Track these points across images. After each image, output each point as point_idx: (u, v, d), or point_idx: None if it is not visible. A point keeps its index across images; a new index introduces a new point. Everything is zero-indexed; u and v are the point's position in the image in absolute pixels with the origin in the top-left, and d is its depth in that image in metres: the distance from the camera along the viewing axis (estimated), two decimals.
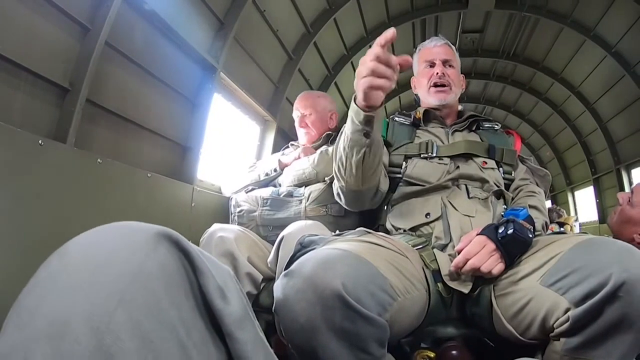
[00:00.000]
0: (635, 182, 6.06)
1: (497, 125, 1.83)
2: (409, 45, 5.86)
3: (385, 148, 1.67)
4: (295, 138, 2.70)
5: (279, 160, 2.37)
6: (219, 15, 2.77)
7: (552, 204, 8.86)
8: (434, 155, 1.63)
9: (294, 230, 1.75)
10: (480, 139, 1.73)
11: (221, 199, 2.63)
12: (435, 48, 1.85)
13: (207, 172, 2.86)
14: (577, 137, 7.06)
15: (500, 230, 1.17)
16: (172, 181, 2.33)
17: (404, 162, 1.64)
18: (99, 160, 1.75)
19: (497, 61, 6.53)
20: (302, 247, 1.22)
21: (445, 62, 1.82)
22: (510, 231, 1.14)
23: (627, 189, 6.08)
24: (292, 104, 3.66)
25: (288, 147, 2.67)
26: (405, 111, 1.87)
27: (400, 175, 1.63)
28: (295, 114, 2.57)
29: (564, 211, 5.29)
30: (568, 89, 6.31)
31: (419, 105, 1.91)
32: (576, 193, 8.14)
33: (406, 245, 1.28)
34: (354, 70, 5.35)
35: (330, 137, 2.49)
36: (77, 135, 1.72)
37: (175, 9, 2.31)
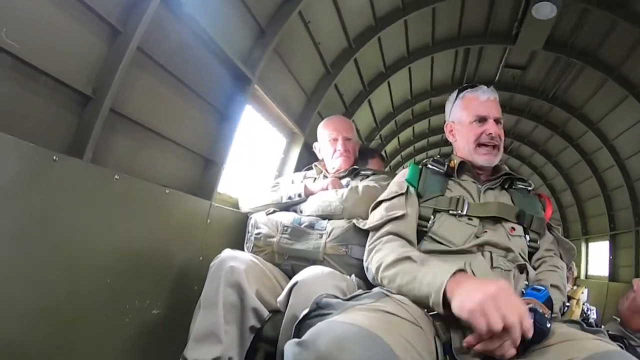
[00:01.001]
0: None
1: (530, 186, 1.77)
2: (448, 70, 5.86)
3: (415, 197, 1.65)
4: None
5: (305, 186, 2.29)
6: (262, 23, 2.68)
7: None
8: (464, 214, 1.58)
9: (308, 278, 1.70)
10: (512, 199, 1.68)
11: (238, 215, 2.53)
12: (488, 102, 1.72)
13: (226, 184, 2.79)
14: (601, 189, 6.91)
15: None
16: (190, 197, 2.24)
17: (432, 216, 1.59)
18: (116, 176, 1.66)
19: (534, 100, 6.41)
20: (318, 308, 1.20)
21: (497, 121, 1.72)
22: (530, 320, 1.09)
23: None
24: (322, 118, 3.53)
25: (312, 168, 2.60)
26: (440, 157, 1.82)
27: (426, 229, 1.58)
28: (332, 136, 2.46)
29: (574, 265, 5.16)
30: (601, 140, 6.18)
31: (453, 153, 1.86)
32: (590, 244, 7.96)
33: (421, 314, 1.24)
34: (390, 89, 5.47)
35: (354, 172, 2.44)
36: (96, 147, 1.62)
37: (215, 13, 2.20)
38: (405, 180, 1.69)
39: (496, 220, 1.58)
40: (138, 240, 1.84)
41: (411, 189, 1.66)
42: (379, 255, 1.47)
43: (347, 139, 2.46)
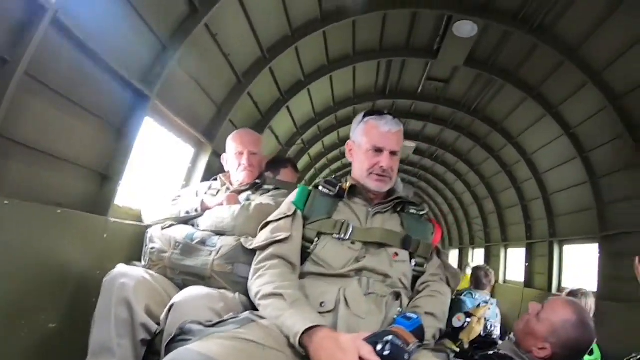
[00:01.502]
0: (565, 258, 6.11)
1: (423, 211, 1.82)
2: (370, 80, 5.81)
3: (301, 220, 1.69)
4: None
5: (202, 202, 2.31)
6: (163, 38, 2.61)
7: (485, 258, 8.91)
8: (346, 238, 1.62)
9: (184, 299, 1.72)
10: (402, 223, 1.74)
11: (138, 229, 2.48)
12: (388, 134, 1.71)
13: (127, 196, 2.73)
14: (520, 199, 7.08)
15: (378, 348, 1.17)
16: (84, 214, 2.22)
17: (316, 239, 1.64)
18: (5, 202, 1.66)
19: (457, 112, 6.44)
20: (182, 333, 1.26)
21: (393, 153, 1.73)
22: (386, 353, 1.16)
23: (555, 262, 6.13)
24: (235, 126, 3.69)
25: (216, 179, 2.60)
26: (335, 178, 1.86)
27: (309, 251, 1.63)
28: (237, 149, 2.49)
29: (493, 272, 5.21)
30: (520, 153, 6.31)
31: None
32: (509, 250, 8.19)
33: (286, 342, 1.27)
34: (310, 96, 5.24)
35: (255, 186, 2.48)
36: None
37: (110, 32, 2.17)
38: (292, 203, 1.73)
39: (380, 245, 1.64)
40: (34, 259, 1.89)
41: (298, 211, 1.70)
42: (260, 282, 1.50)
43: (253, 153, 2.49)
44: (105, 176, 2.46)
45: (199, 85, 3.27)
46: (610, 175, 4.76)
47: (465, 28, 4.13)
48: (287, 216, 1.68)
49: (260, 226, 1.75)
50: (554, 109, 5.04)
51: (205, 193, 2.47)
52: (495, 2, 3.98)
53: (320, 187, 1.79)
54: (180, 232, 2.16)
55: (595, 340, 3.02)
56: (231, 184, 2.52)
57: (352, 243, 1.61)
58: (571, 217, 5.78)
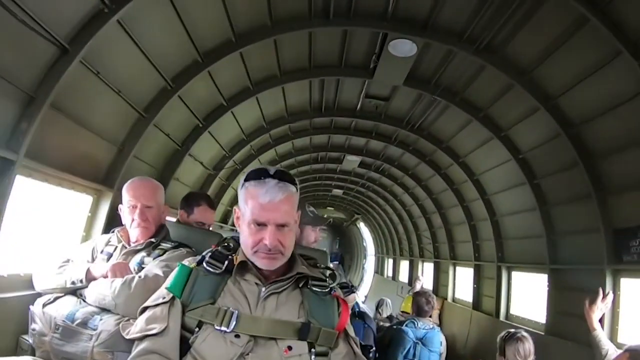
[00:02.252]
0: (515, 284, 5.79)
1: (327, 288, 1.58)
2: (304, 98, 5.41)
3: (179, 306, 1.47)
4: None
5: (88, 271, 2.10)
6: (29, 90, 2.32)
7: (434, 272, 8.63)
8: (229, 330, 1.41)
9: None
10: (303, 302, 1.53)
11: (26, 298, 2.23)
12: (270, 206, 1.44)
13: (15, 262, 2.57)
14: (467, 218, 6.77)
15: None
16: None
17: (197, 328, 1.43)
18: None
19: (400, 130, 6.05)
20: None
21: (280, 226, 1.47)
22: None
23: (504, 287, 5.82)
24: (145, 163, 3.71)
25: (114, 232, 2.38)
26: (228, 246, 1.60)
27: (190, 343, 1.41)
28: (130, 202, 2.26)
29: (434, 298, 4.86)
30: (467, 174, 5.97)
31: None
32: (457, 268, 7.91)
33: None
34: (236, 119, 4.78)
35: (151, 245, 2.27)
36: None
37: None
38: (166, 288, 1.50)
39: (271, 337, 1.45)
40: None
41: (176, 298, 1.48)
42: None
43: (147, 206, 2.27)
44: None
45: (88, 129, 2.96)
46: (562, 205, 4.44)
47: (403, 47, 3.69)
48: (164, 302, 1.45)
49: (139, 310, 1.52)
50: (502, 132, 4.70)
51: (102, 252, 2.29)
52: (438, 19, 3.53)
53: (205, 265, 1.54)
54: (62, 311, 2.01)
55: None
56: (128, 241, 2.30)
57: (237, 336, 1.41)
58: (520, 243, 5.51)
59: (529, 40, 3.46)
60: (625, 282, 3.59)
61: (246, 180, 1.51)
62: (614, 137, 3.48)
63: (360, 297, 16.70)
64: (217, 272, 1.53)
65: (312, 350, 1.46)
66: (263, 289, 1.51)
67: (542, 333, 4.50)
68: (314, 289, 1.57)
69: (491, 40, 3.56)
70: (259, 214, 1.45)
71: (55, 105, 2.43)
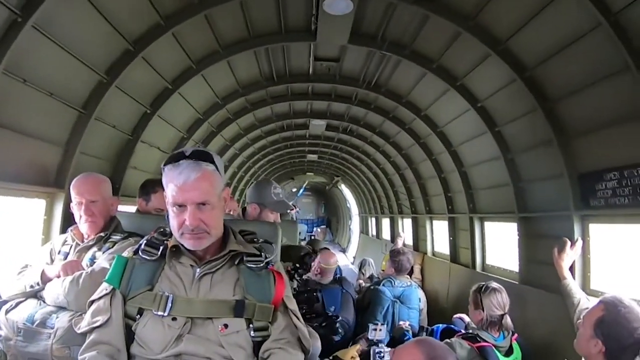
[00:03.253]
0: (488, 234, 5.74)
1: (261, 263, 1.64)
2: (253, 68, 5.27)
3: (120, 296, 1.55)
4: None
5: (43, 273, 2.20)
6: None
7: (413, 228, 8.61)
8: (166, 314, 1.48)
9: None
10: (239, 279, 1.59)
11: None
12: (186, 187, 1.50)
13: None
14: (437, 172, 6.66)
15: None
16: None
17: (138, 315, 1.51)
18: None
19: (357, 89, 5.86)
20: None
21: (202, 204, 1.53)
22: None
23: (477, 238, 5.77)
24: (94, 157, 3.78)
25: (69, 231, 2.48)
26: (163, 231, 1.68)
27: (134, 330, 1.51)
28: (76, 199, 2.38)
29: (411, 254, 4.83)
30: (430, 127, 5.82)
31: None
32: (434, 222, 7.84)
33: None
34: (186, 100, 4.68)
35: (102, 239, 2.37)
36: None
37: None
38: (105, 281, 1.59)
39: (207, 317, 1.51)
40: None
41: (115, 289, 1.56)
42: None
43: (92, 201, 2.37)
44: None
45: (27, 135, 2.94)
46: (526, 152, 4.29)
47: (339, 4, 3.45)
48: (106, 294, 1.56)
49: (87, 303, 1.61)
50: (458, 81, 4.51)
51: (59, 252, 2.40)
52: None
53: (141, 253, 1.62)
54: (22, 315, 2.11)
55: (514, 338, 3.01)
56: (82, 239, 2.41)
57: (173, 319, 1.49)
58: (489, 193, 5.40)
59: None
60: (594, 228, 3.48)
61: (165, 164, 1.55)
62: (570, 79, 3.29)
63: (349, 258, 16.93)
64: (153, 258, 1.60)
65: (251, 326, 1.53)
66: (197, 269, 1.58)
67: (517, 282, 4.46)
68: (249, 265, 1.62)
69: None
70: (177, 195, 1.51)
71: None
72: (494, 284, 3.10)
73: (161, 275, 1.58)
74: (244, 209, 3.16)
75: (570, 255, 3.12)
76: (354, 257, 16.65)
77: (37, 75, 2.82)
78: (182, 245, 1.58)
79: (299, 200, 20.16)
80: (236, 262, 1.63)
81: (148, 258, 1.61)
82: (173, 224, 1.55)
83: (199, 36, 4.05)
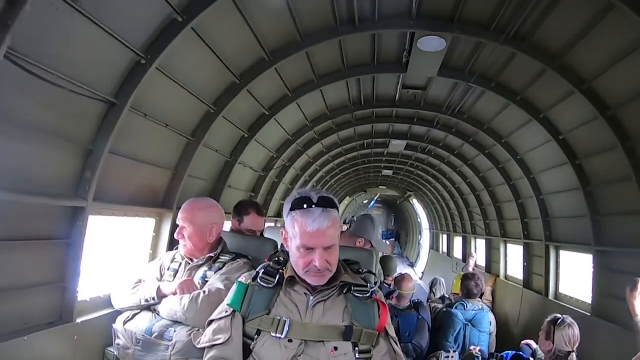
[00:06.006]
0: (563, 263, 5.75)
1: (367, 292, 1.77)
2: (343, 95, 5.59)
3: (240, 319, 1.71)
4: None
5: (159, 289, 2.39)
6: (86, 143, 2.54)
7: (486, 249, 8.62)
8: (282, 337, 1.63)
9: None
10: (347, 307, 1.73)
11: (108, 315, 2.59)
12: (317, 234, 1.63)
13: (93, 285, 2.81)
14: (514, 196, 6.71)
15: None
16: (48, 332, 2.30)
17: (256, 335, 1.66)
18: None
19: (440, 115, 6.10)
20: None
21: (328, 247, 1.67)
22: None
23: (552, 266, 5.80)
24: (198, 179, 4.15)
25: (177, 248, 2.68)
26: (278, 260, 1.83)
27: (251, 348, 1.65)
28: (179, 223, 2.58)
29: (482, 279, 4.90)
30: (510, 153, 5.94)
31: None
32: (508, 245, 7.84)
33: None
34: (280, 125, 5.21)
35: (211, 259, 2.54)
36: None
37: (20, 160, 2.14)
38: (227, 305, 1.74)
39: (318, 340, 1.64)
40: None
41: (236, 312, 1.71)
42: None
43: (183, 227, 2.54)
44: (64, 287, 2.48)
45: (142, 162, 3.19)
46: (605, 186, 4.37)
47: (432, 43, 3.75)
48: (226, 316, 1.71)
49: (207, 322, 1.78)
50: (540, 114, 4.67)
51: (168, 268, 2.59)
52: (463, 12, 3.56)
53: (259, 280, 1.77)
54: (140, 326, 2.30)
55: None
56: (190, 258, 2.58)
57: (289, 341, 1.62)
58: (566, 222, 5.46)
59: (557, 26, 3.42)
60: None
61: (292, 209, 1.68)
62: None
63: (418, 273, 16.87)
64: (270, 286, 1.75)
65: (356, 348, 1.65)
66: (311, 297, 1.73)
67: (589, 314, 4.50)
68: (356, 294, 1.76)
69: (519, 28, 3.53)
70: (308, 240, 1.64)
71: (112, 150, 2.65)
72: (569, 319, 3.14)
73: (277, 301, 1.72)
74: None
75: None
76: (422, 273, 16.58)
77: (155, 108, 3.05)
78: (298, 276, 1.74)
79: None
80: (344, 291, 1.77)
81: (265, 285, 1.76)
82: (299, 262, 1.69)
83: (297, 68, 4.37)
